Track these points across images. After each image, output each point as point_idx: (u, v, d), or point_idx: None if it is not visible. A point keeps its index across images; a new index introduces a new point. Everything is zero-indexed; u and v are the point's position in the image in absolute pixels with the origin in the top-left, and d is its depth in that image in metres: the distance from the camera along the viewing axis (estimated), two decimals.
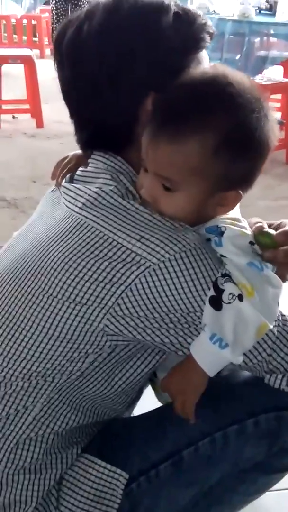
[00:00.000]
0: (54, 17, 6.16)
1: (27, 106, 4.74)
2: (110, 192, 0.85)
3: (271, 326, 0.84)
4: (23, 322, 0.87)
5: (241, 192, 0.87)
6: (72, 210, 0.87)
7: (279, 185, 3.73)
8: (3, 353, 0.89)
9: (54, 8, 6.12)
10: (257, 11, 4.15)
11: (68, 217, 0.87)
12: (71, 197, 0.88)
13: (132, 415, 1.13)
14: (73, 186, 0.90)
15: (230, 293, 0.82)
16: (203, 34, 0.90)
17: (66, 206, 0.88)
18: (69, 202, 0.88)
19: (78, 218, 0.85)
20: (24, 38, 7.64)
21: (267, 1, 4.21)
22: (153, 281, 0.81)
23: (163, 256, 0.80)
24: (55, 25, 6.15)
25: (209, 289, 0.82)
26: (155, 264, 0.80)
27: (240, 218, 0.90)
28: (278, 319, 0.87)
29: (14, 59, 4.49)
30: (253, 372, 0.91)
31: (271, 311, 0.84)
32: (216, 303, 0.82)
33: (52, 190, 0.99)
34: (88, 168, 0.91)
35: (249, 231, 0.88)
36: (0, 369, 0.89)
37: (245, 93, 0.83)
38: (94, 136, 0.91)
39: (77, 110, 0.91)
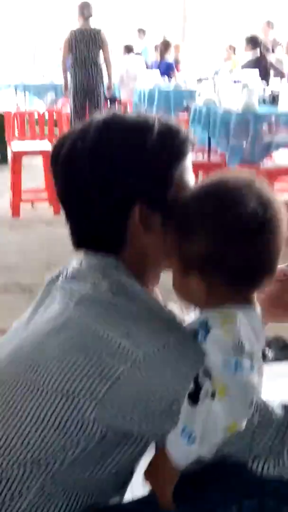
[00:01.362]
0: (73, 112, 6.50)
1: (45, 195, 4.95)
2: (102, 290, 0.94)
3: (242, 426, 0.89)
4: (19, 412, 0.93)
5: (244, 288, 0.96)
6: (67, 306, 0.95)
7: (283, 263, 3.78)
8: None
9: (72, 103, 6.49)
10: (262, 101, 4.37)
11: (63, 313, 0.95)
12: (67, 293, 0.97)
13: (125, 495, 1.14)
14: (68, 283, 0.98)
15: (206, 390, 0.87)
16: (186, 145, 1.01)
17: (62, 301, 0.96)
18: (64, 299, 0.96)
19: (72, 313, 0.93)
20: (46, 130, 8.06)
21: (271, 93, 4.42)
22: (140, 374, 0.88)
23: (148, 349, 0.88)
24: (73, 119, 6.49)
25: (191, 382, 0.88)
26: (142, 357, 0.87)
27: (236, 312, 0.94)
28: (260, 407, 0.91)
29: (33, 152, 4.74)
30: (236, 458, 0.94)
31: (241, 412, 0.88)
32: (194, 398, 0.88)
33: (49, 282, 1.06)
34: (82, 266, 1.00)
35: (237, 328, 0.92)
36: None
37: (245, 203, 0.92)
38: (87, 241, 1.01)
39: (71, 217, 1.02)
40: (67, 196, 1.00)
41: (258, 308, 1.00)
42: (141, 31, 10.17)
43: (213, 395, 0.86)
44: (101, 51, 6.28)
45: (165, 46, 8.10)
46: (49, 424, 0.91)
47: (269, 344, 2.36)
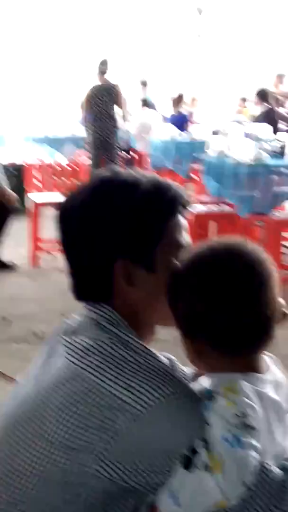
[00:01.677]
0: (92, 164, 6.75)
1: None
2: (102, 344, 0.97)
3: (232, 504, 0.88)
4: (23, 466, 0.96)
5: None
6: (68, 359, 0.98)
7: None
8: (2, 496, 0.97)
9: (92, 155, 6.75)
10: (271, 153, 4.51)
11: (64, 367, 0.98)
12: (69, 348, 1.00)
13: None
14: (70, 337, 1.02)
15: (202, 460, 0.87)
16: (173, 205, 1.03)
17: (64, 355, 1.00)
18: (67, 353, 1.00)
19: (74, 368, 0.96)
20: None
21: (281, 145, 4.57)
22: (138, 427, 0.89)
23: (146, 403, 0.90)
24: (92, 171, 6.72)
25: (189, 438, 0.89)
26: (139, 411, 0.89)
27: (240, 381, 0.92)
28: (259, 467, 0.90)
29: (50, 205, 4.91)
30: None
31: (234, 491, 0.87)
32: (187, 462, 0.88)
33: (52, 336, 1.10)
34: (83, 320, 1.04)
35: (240, 399, 0.90)
36: None
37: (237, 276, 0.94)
38: (81, 293, 1.07)
39: (68, 268, 1.08)
40: (64, 249, 1.06)
41: (266, 373, 0.98)
42: (144, 83, 10.40)
43: (208, 468, 0.86)
44: (118, 103, 6.55)
45: (178, 99, 8.39)
46: (52, 477, 0.93)
47: None
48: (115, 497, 0.95)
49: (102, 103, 6.51)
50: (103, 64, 6.62)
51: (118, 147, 6.74)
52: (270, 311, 0.95)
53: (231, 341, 0.95)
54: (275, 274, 0.97)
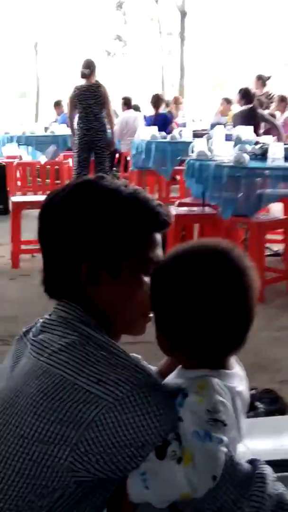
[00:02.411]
0: (76, 165, 6.68)
1: None
2: (71, 341, 1.00)
3: (199, 496, 0.91)
4: (1, 463, 0.97)
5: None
6: (37, 358, 1.01)
7: (281, 315, 3.83)
8: None
9: (76, 155, 6.68)
10: (253, 155, 4.51)
11: (35, 365, 1.01)
12: (36, 347, 1.03)
13: None
14: (38, 338, 1.05)
15: (173, 451, 0.91)
16: (151, 221, 1.05)
17: (33, 356, 1.03)
18: (35, 352, 1.03)
19: (43, 366, 0.99)
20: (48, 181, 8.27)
21: (261, 147, 4.56)
22: (110, 418, 0.93)
23: (117, 395, 0.93)
24: (77, 171, 6.65)
25: (161, 427, 0.93)
26: (111, 403, 0.93)
27: (211, 378, 0.95)
28: (227, 460, 0.92)
29: (32, 205, 4.87)
30: (199, 507, 0.96)
31: (202, 484, 0.90)
32: (160, 452, 0.92)
33: (21, 336, 1.13)
34: (52, 317, 1.07)
35: (211, 395, 0.92)
36: None
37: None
38: (50, 284, 1.09)
39: (42, 261, 1.11)
40: (40, 246, 1.10)
41: (234, 369, 1.01)
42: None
43: (179, 460, 0.90)
44: (103, 104, 6.48)
45: (157, 100, 8.38)
46: (26, 472, 0.95)
47: (259, 397, 2.34)
48: (89, 490, 0.97)
49: (87, 104, 6.45)
50: (88, 65, 6.53)
51: (107, 148, 6.67)
52: (248, 322, 0.98)
53: (205, 350, 0.97)
54: (256, 283, 0.99)
